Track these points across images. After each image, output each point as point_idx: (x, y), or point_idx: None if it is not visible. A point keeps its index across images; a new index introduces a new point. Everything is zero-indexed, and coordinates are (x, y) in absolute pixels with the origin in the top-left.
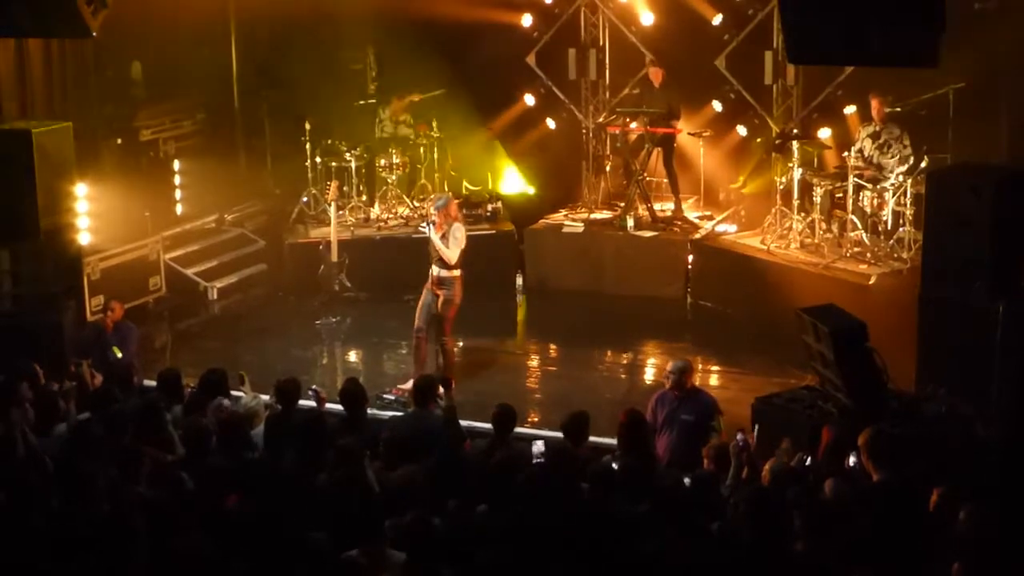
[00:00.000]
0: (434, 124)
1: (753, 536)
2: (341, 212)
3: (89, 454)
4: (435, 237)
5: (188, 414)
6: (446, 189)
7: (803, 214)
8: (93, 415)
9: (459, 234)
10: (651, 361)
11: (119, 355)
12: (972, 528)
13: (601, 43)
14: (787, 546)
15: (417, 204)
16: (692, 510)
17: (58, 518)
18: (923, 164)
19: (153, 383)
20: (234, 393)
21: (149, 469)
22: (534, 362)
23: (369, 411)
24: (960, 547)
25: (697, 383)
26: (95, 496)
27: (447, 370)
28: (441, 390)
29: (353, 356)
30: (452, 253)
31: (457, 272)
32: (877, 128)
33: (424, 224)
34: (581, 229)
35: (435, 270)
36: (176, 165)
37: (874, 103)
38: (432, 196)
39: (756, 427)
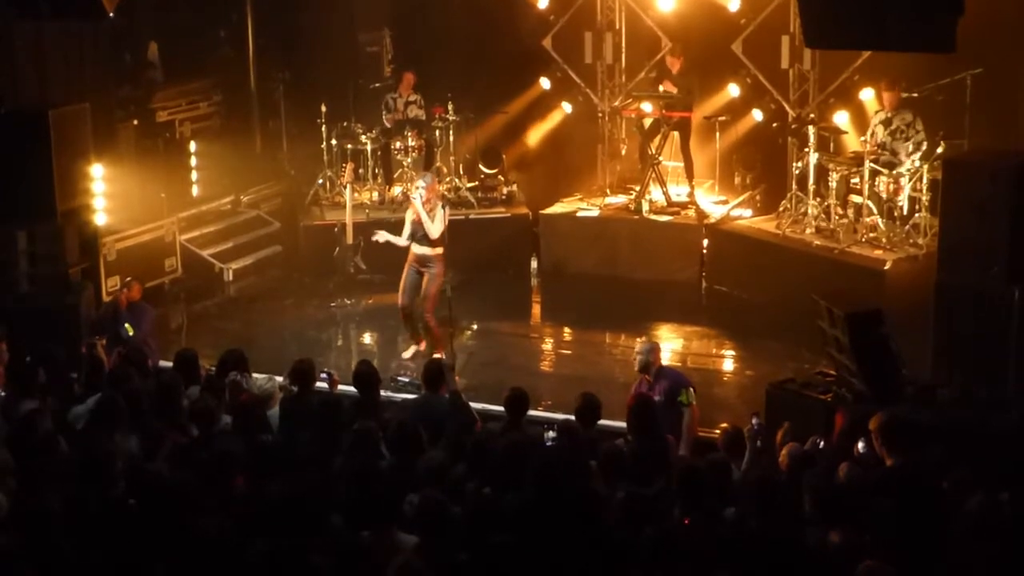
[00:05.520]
0: (450, 107)
1: (761, 520)
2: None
3: (107, 434)
4: (423, 211)
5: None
6: (462, 172)
7: (818, 199)
8: (109, 394)
9: (443, 211)
10: (666, 345)
11: (131, 333)
12: (986, 515)
13: (617, 27)
14: (797, 530)
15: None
16: (704, 494)
17: (76, 500)
18: (939, 150)
19: (170, 364)
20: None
21: (167, 450)
22: (548, 345)
23: (383, 393)
24: (976, 533)
25: (713, 368)
26: (113, 477)
27: (435, 346)
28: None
29: (368, 338)
30: (437, 228)
31: (440, 250)
32: (888, 115)
33: (414, 196)
34: (596, 213)
35: (419, 248)
36: (192, 147)
37: (885, 95)
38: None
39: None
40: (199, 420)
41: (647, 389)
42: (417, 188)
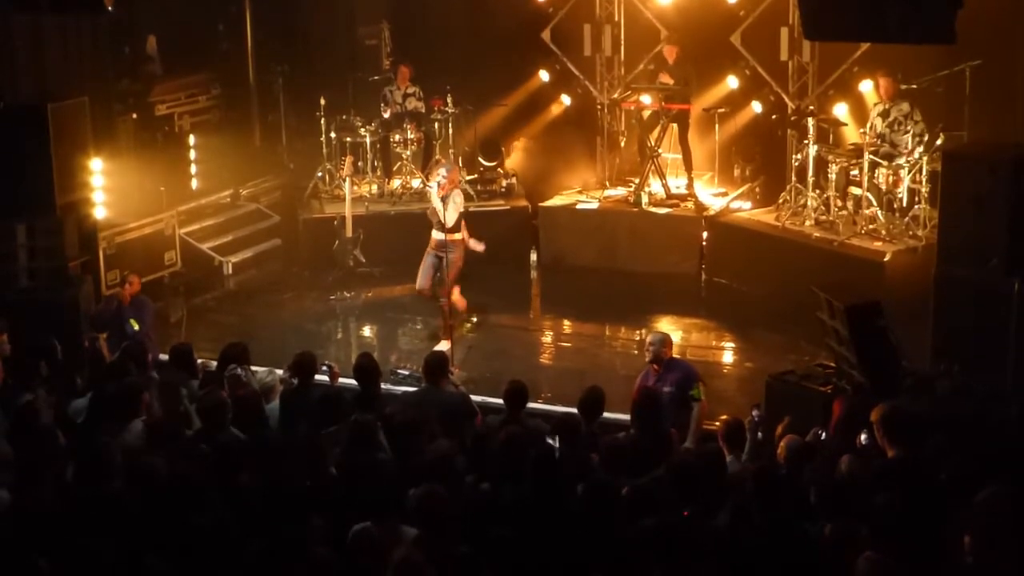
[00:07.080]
0: (449, 100)
1: (762, 513)
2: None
3: (105, 427)
4: (436, 200)
5: (204, 388)
6: (461, 165)
7: (818, 191)
8: (108, 388)
9: (458, 199)
10: None
11: (136, 327)
12: (987, 507)
13: (616, 19)
14: (798, 522)
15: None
16: (698, 486)
17: (72, 492)
18: (939, 141)
19: (166, 358)
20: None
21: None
22: (548, 338)
23: (383, 386)
24: (974, 523)
25: (712, 360)
26: (111, 470)
27: (444, 330)
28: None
29: (367, 331)
30: (450, 216)
31: (458, 236)
32: (886, 106)
33: (431, 184)
34: (595, 205)
35: (437, 234)
36: (191, 140)
37: (882, 82)
38: (439, 160)
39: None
40: (208, 415)
41: (655, 380)
42: (438, 176)
